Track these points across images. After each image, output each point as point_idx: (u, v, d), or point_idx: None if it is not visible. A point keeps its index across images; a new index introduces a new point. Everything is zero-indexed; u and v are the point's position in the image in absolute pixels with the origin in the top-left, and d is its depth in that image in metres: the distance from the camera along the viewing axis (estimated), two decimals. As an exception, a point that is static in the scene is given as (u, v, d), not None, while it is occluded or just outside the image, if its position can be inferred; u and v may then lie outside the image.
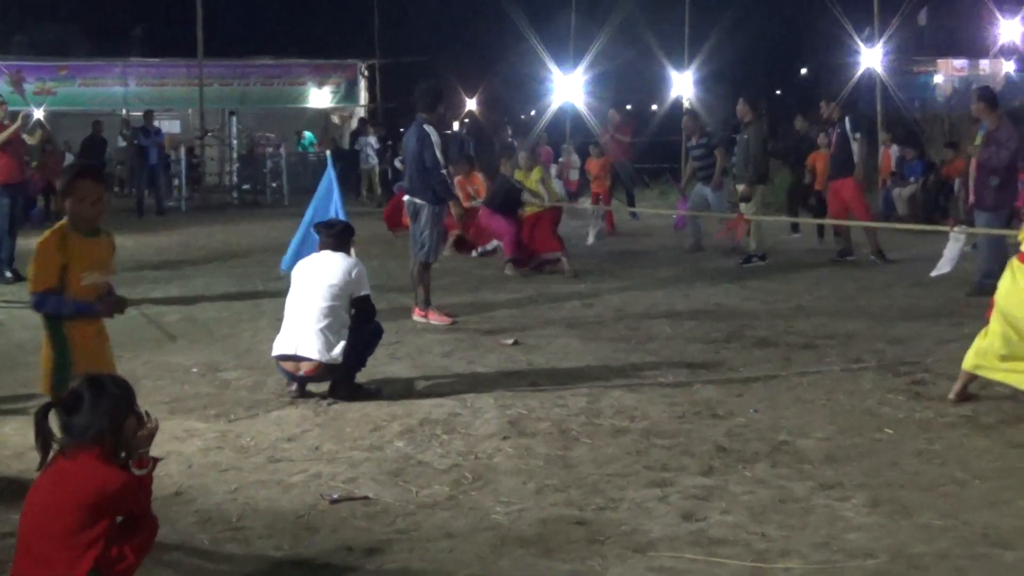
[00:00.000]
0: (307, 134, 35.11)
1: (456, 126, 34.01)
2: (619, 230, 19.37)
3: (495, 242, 15.34)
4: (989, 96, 12.16)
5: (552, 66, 29.46)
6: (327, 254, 7.89)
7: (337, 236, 7.98)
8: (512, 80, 42.87)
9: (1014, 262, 7.21)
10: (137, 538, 4.10)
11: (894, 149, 22.05)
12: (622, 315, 11.07)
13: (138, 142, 25.10)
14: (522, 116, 35.70)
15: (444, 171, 10.61)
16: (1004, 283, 7.25)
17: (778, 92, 47.28)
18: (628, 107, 44.54)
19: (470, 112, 35.81)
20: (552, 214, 14.88)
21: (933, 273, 11.80)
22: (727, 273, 14.08)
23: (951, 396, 7.41)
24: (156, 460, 4.27)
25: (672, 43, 32.21)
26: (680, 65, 30.88)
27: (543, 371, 8.60)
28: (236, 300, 12.32)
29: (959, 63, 46.10)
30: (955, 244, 11.57)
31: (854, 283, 12.98)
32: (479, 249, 16.02)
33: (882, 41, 26.11)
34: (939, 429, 6.77)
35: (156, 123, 26.44)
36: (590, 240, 16.12)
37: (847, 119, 15.11)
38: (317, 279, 7.69)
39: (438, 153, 10.51)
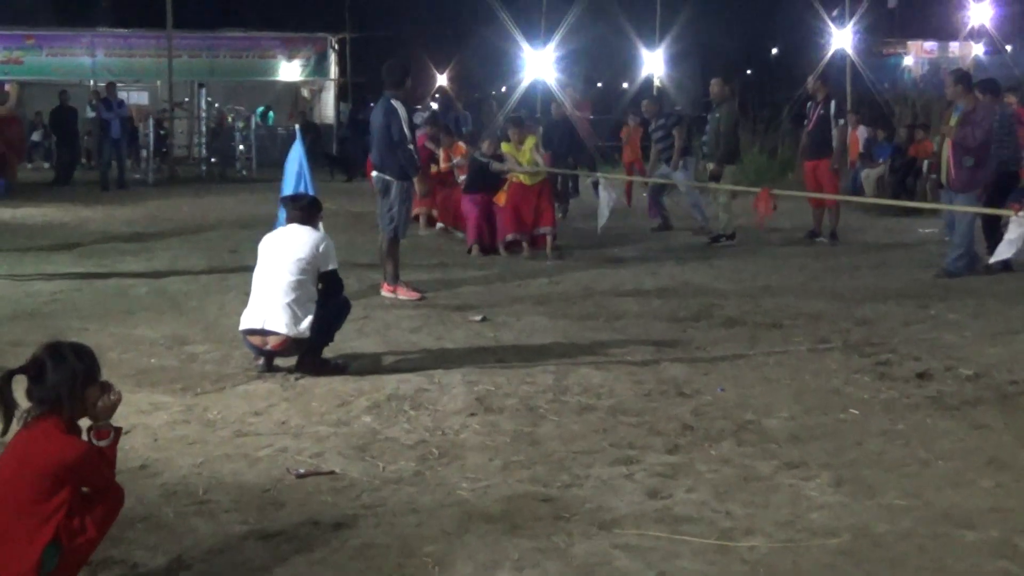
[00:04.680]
0: (259, 109, 34.72)
1: (429, 102, 33.80)
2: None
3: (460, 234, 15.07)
4: (965, 78, 12.27)
5: (523, 42, 29.44)
6: (294, 227, 7.83)
7: (304, 209, 7.92)
8: (483, 56, 42.82)
9: None
10: (99, 511, 4.04)
11: (862, 130, 22.16)
12: (589, 293, 11.08)
13: (98, 115, 24.86)
14: (493, 92, 35.64)
15: (411, 146, 10.62)
16: None
17: (749, 71, 47.39)
18: (599, 84, 44.58)
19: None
20: (548, 187, 14.62)
21: (992, 260, 11.33)
22: (695, 252, 14.10)
23: None
24: (119, 431, 4.23)
25: (643, 21, 32.29)
26: (651, 43, 30.94)
27: (510, 348, 8.60)
28: (203, 273, 12.24)
29: (929, 45, 46.44)
30: (1018, 228, 11.45)
31: (821, 263, 13.03)
32: (440, 226, 15.88)
33: (853, 22, 26.25)
34: (903, 410, 6.81)
35: (123, 94, 26.11)
36: (601, 223, 15.41)
37: (832, 102, 15.03)
38: (284, 253, 7.64)
39: (405, 128, 10.54)
